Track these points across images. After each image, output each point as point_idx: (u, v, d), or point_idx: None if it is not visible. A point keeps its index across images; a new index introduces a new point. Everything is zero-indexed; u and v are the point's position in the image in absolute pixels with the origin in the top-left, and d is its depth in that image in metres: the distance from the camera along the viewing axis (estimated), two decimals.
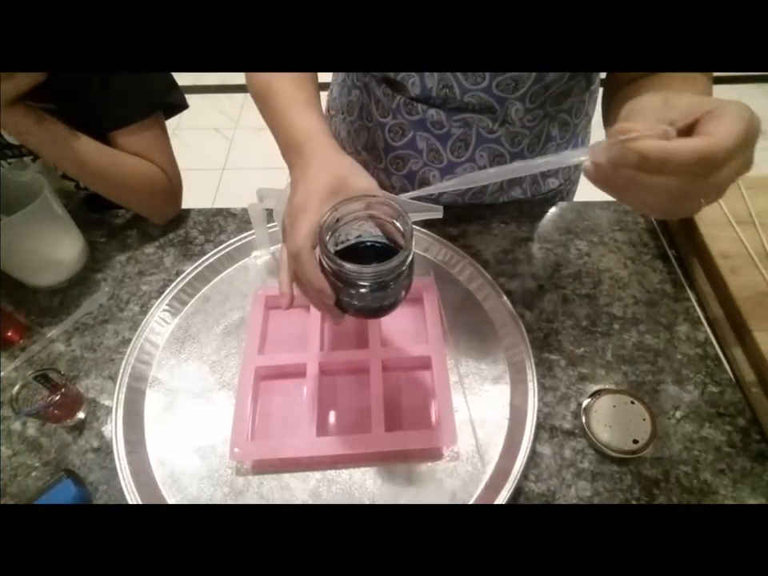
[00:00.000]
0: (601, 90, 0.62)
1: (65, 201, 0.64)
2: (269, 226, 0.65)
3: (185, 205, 0.75)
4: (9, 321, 0.60)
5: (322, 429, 0.52)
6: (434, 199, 0.69)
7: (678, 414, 0.54)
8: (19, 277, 0.64)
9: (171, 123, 0.72)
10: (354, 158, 0.74)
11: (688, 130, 0.29)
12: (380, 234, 0.42)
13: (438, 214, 0.58)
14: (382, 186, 0.71)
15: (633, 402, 0.52)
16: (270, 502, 0.48)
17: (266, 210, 0.62)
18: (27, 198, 0.56)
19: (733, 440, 0.52)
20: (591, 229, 0.70)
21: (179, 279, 0.62)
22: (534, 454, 0.51)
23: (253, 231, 0.65)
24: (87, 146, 0.61)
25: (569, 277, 0.65)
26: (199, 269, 0.64)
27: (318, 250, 0.38)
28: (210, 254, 0.65)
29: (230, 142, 2.19)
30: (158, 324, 0.60)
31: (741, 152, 0.28)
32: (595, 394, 0.53)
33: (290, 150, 0.45)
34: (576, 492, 0.49)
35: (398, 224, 0.39)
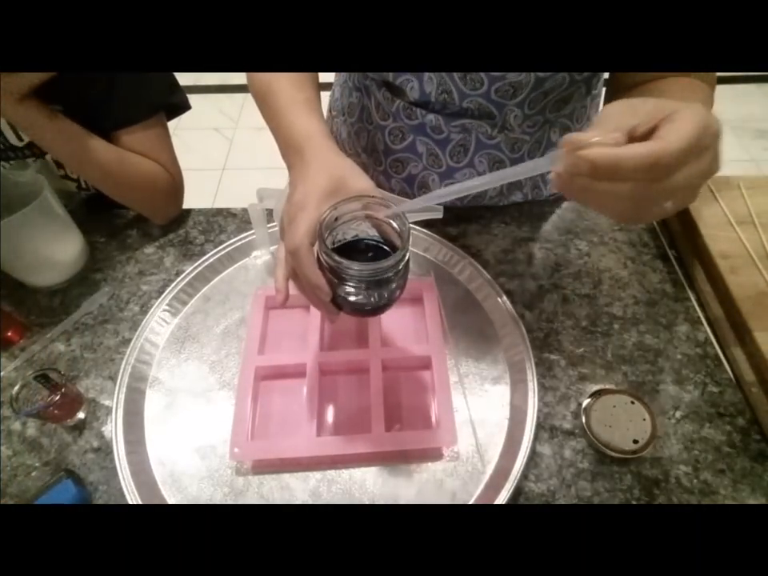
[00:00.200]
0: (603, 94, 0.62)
1: (65, 201, 0.64)
2: (269, 225, 0.65)
3: (185, 205, 0.75)
4: (9, 321, 0.60)
5: (322, 429, 0.52)
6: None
7: (678, 414, 0.54)
8: (19, 277, 0.64)
9: (171, 123, 0.72)
10: (354, 159, 0.75)
11: (650, 135, 0.29)
12: (376, 234, 0.43)
13: (438, 214, 0.58)
14: (382, 188, 0.71)
15: (633, 402, 0.52)
16: (270, 501, 0.48)
17: (266, 209, 0.62)
18: (27, 198, 0.56)
19: (733, 440, 0.52)
20: (591, 229, 0.70)
21: (179, 279, 0.62)
22: (534, 454, 0.51)
23: (253, 231, 0.65)
24: (95, 144, 0.62)
25: (569, 277, 0.65)
26: (199, 269, 0.64)
27: (315, 248, 0.39)
28: (210, 254, 0.65)
29: (230, 141, 2.19)
30: (158, 324, 0.60)
31: (695, 155, 0.29)
32: (595, 394, 0.53)
33: (290, 150, 0.45)
34: (576, 492, 0.49)
35: (394, 224, 0.40)
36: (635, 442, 0.50)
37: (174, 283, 0.62)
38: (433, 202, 0.36)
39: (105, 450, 0.52)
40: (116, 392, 0.53)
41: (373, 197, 0.40)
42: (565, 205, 0.74)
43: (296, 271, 0.40)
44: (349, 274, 0.38)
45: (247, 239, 0.67)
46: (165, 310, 0.60)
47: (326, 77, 0.61)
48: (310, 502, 0.48)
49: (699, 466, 0.51)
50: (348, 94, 0.71)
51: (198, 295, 0.63)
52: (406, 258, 0.39)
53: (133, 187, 0.67)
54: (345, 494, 0.49)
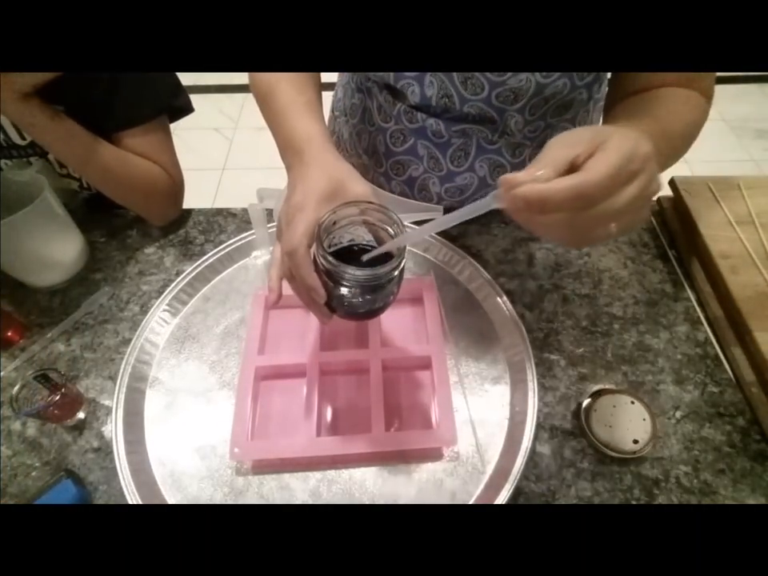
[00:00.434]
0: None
1: (65, 201, 0.64)
2: (269, 225, 0.65)
3: (185, 205, 0.75)
4: (9, 321, 0.60)
5: (322, 429, 0.52)
6: (435, 201, 0.70)
7: (678, 414, 0.54)
8: (19, 277, 0.64)
9: (171, 123, 0.72)
10: (355, 160, 0.75)
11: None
12: (372, 239, 0.44)
13: (437, 214, 0.58)
14: (382, 189, 0.72)
15: (633, 402, 0.52)
16: (270, 501, 0.48)
17: (266, 209, 0.62)
18: (27, 198, 0.56)
19: (733, 440, 0.52)
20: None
21: (179, 279, 0.62)
22: (533, 454, 0.51)
23: (253, 231, 0.65)
24: (96, 145, 0.62)
25: (569, 277, 0.65)
26: (199, 269, 0.64)
27: (312, 250, 0.39)
28: (210, 254, 0.65)
29: (230, 142, 2.19)
30: (158, 324, 0.60)
31: (623, 181, 0.30)
32: (595, 394, 0.53)
33: (290, 151, 0.45)
34: (576, 492, 0.49)
35: (391, 231, 0.40)
36: (635, 442, 0.50)
37: (174, 283, 0.62)
38: (408, 241, 0.38)
39: (105, 449, 0.52)
40: (116, 392, 0.53)
41: (371, 203, 0.40)
42: None
43: (292, 272, 0.40)
44: (345, 277, 0.38)
45: (247, 239, 0.67)
46: (165, 310, 0.60)
47: (329, 77, 0.61)
48: (310, 502, 0.48)
49: (699, 466, 0.51)
50: (350, 95, 0.71)
51: (198, 295, 0.63)
52: (402, 265, 0.40)
53: (133, 189, 0.67)
54: (345, 493, 0.49)
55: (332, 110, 0.79)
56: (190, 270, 0.64)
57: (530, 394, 0.52)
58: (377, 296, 0.42)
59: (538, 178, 0.30)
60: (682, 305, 0.63)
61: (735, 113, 2.22)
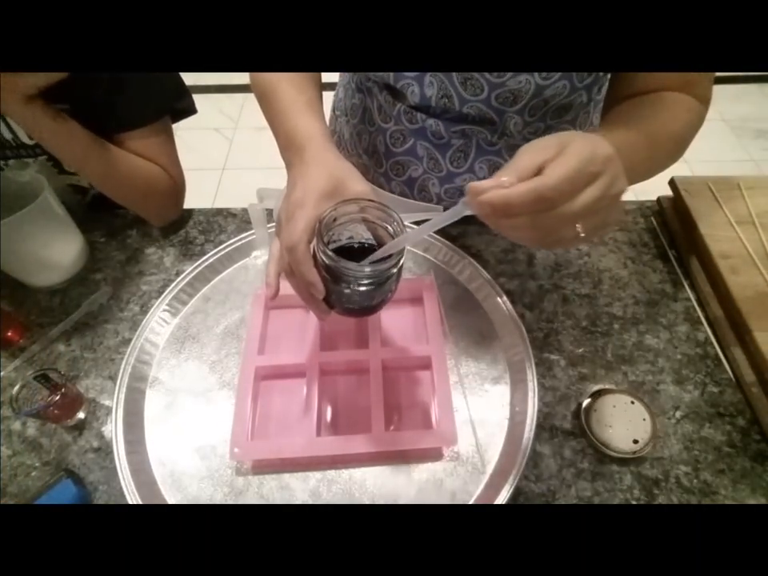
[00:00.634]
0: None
1: (65, 200, 0.64)
2: (269, 225, 0.65)
3: (185, 205, 0.75)
4: (9, 321, 0.60)
5: (322, 429, 0.52)
6: (435, 202, 0.70)
7: (678, 414, 0.54)
8: (19, 277, 0.64)
9: (173, 124, 0.72)
10: (355, 161, 0.75)
11: None
12: (371, 237, 0.44)
13: (437, 214, 0.58)
14: (382, 189, 0.72)
15: (633, 402, 0.52)
16: (270, 501, 0.48)
17: (266, 209, 0.62)
18: (27, 198, 0.56)
19: (733, 440, 0.52)
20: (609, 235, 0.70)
21: (179, 279, 0.62)
22: (534, 454, 0.51)
23: (253, 231, 0.65)
24: (98, 145, 0.62)
25: (569, 277, 0.65)
26: (199, 269, 0.64)
27: (312, 246, 0.40)
28: (210, 254, 0.65)
29: (230, 141, 2.19)
30: (158, 324, 0.60)
31: (582, 183, 0.32)
32: (595, 394, 0.53)
33: (290, 149, 0.46)
34: (576, 492, 0.49)
35: (390, 229, 0.41)
36: (635, 442, 0.50)
37: (174, 283, 0.62)
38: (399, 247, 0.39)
39: (105, 449, 0.52)
40: (116, 392, 0.53)
41: (371, 200, 0.40)
42: None
43: (292, 267, 0.41)
44: (345, 273, 0.38)
45: (247, 239, 0.67)
46: (165, 310, 0.60)
47: (329, 77, 0.61)
48: (310, 502, 0.48)
49: (699, 466, 0.51)
50: (351, 95, 0.71)
51: (198, 295, 0.63)
52: (402, 262, 0.41)
53: (133, 189, 0.67)
54: (345, 494, 0.49)
55: (333, 110, 0.79)
56: (190, 269, 0.64)
57: (530, 394, 0.52)
58: (375, 293, 0.42)
59: (502, 183, 0.31)
60: (682, 305, 0.63)
61: (735, 113, 2.22)
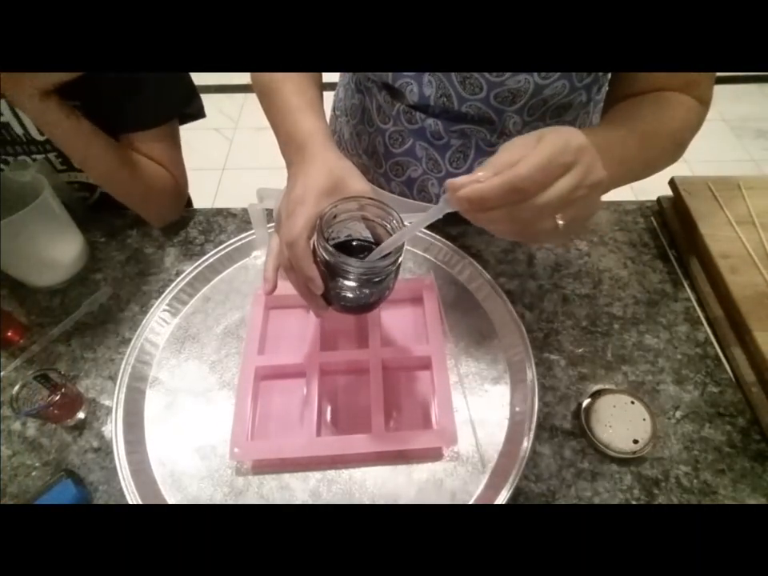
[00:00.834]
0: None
1: (65, 200, 0.64)
2: (269, 225, 0.65)
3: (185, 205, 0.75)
4: (9, 321, 0.60)
5: (322, 429, 0.52)
6: (434, 203, 0.70)
7: (678, 414, 0.54)
8: (19, 277, 0.64)
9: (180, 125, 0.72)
10: (355, 161, 0.75)
11: None
12: (369, 235, 0.44)
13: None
14: (382, 189, 0.72)
15: (633, 402, 0.52)
16: (270, 501, 0.48)
17: (266, 209, 0.62)
18: (27, 198, 0.56)
19: (733, 440, 0.52)
20: (591, 229, 0.70)
21: (179, 279, 0.62)
22: (534, 454, 0.51)
23: (253, 231, 0.65)
24: (107, 144, 0.63)
25: (569, 277, 0.65)
26: (199, 269, 0.64)
27: (311, 242, 0.40)
28: (210, 254, 0.65)
29: (230, 141, 2.19)
30: (158, 324, 0.60)
31: (555, 173, 0.32)
32: (595, 394, 0.53)
33: (291, 146, 0.46)
34: (576, 492, 0.49)
35: (389, 227, 0.41)
36: (635, 442, 0.50)
37: (174, 283, 0.62)
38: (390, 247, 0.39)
39: (105, 449, 0.52)
40: (116, 392, 0.53)
41: (371, 198, 0.41)
42: None
43: (291, 263, 0.41)
44: (345, 269, 0.39)
45: (247, 239, 0.67)
46: (165, 310, 0.60)
47: (330, 77, 0.61)
48: (310, 502, 0.48)
49: (699, 466, 0.51)
50: (350, 95, 0.71)
51: (198, 295, 0.63)
52: (401, 259, 0.41)
53: (137, 189, 0.67)
54: (345, 494, 0.49)
55: (333, 110, 0.79)
56: (190, 269, 0.64)
57: (530, 394, 0.52)
58: (373, 290, 0.43)
59: (478, 179, 0.32)
60: (682, 305, 0.63)
61: (735, 113, 2.22)
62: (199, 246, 0.70)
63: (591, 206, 0.36)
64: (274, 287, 0.45)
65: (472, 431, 0.52)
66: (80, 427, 0.54)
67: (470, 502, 0.48)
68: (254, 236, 0.66)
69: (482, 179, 0.32)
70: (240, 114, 2.29)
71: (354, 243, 0.45)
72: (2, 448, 0.52)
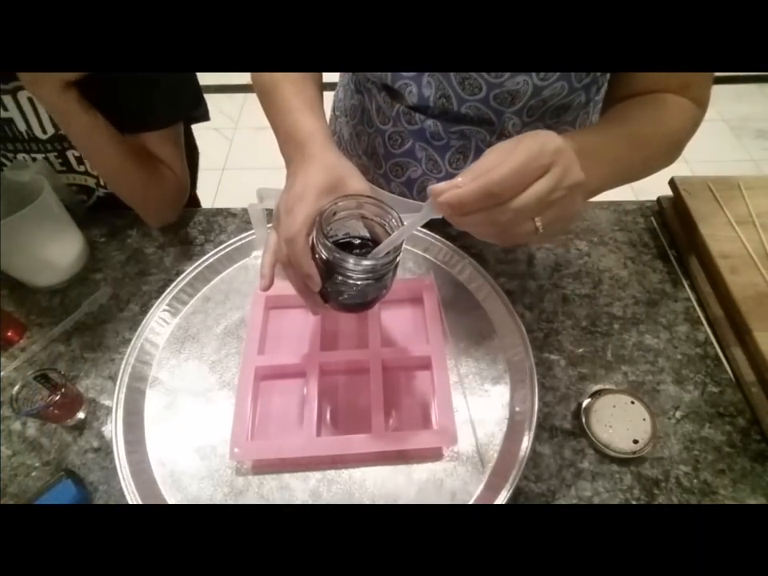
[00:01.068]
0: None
1: (66, 200, 0.64)
2: (269, 225, 0.64)
3: (185, 205, 0.75)
4: (9, 321, 0.60)
5: (322, 429, 0.52)
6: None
7: (678, 414, 0.54)
8: (19, 277, 0.64)
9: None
10: (355, 161, 0.75)
11: None
12: (367, 234, 0.44)
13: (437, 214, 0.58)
14: (382, 189, 0.72)
15: (633, 402, 0.52)
16: (270, 501, 0.48)
17: (266, 209, 0.62)
18: (27, 198, 0.56)
19: (733, 440, 0.52)
20: (591, 229, 0.70)
21: (179, 279, 0.62)
22: (534, 454, 0.51)
23: (253, 231, 0.65)
24: (118, 142, 0.63)
25: (569, 277, 0.65)
26: (199, 269, 0.64)
27: (310, 239, 0.40)
28: (210, 254, 0.65)
29: (230, 142, 2.19)
30: (158, 324, 0.60)
31: (531, 176, 0.33)
32: (595, 394, 0.53)
33: (291, 144, 0.46)
34: (576, 492, 0.49)
35: (387, 226, 0.41)
36: (635, 442, 0.50)
37: (174, 283, 0.62)
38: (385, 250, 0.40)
39: (105, 449, 0.52)
40: (116, 392, 0.53)
41: (369, 197, 0.41)
42: None
43: (289, 259, 0.41)
44: (344, 267, 0.39)
45: (247, 239, 0.67)
46: (165, 310, 0.60)
47: (330, 77, 0.61)
48: (310, 502, 0.48)
49: (699, 466, 0.51)
50: (350, 95, 0.71)
51: (198, 295, 0.63)
52: (398, 259, 0.41)
53: (141, 187, 0.67)
54: (345, 494, 0.49)
55: (333, 110, 0.79)
56: (190, 269, 0.64)
57: (530, 394, 0.52)
58: (371, 288, 0.43)
59: (457, 184, 0.33)
60: (682, 305, 0.63)
61: (735, 113, 2.22)
62: (199, 246, 0.70)
63: (571, 207, 0.36)
64: (271, 283, 0.45)
65: (472, 431, 0.52)
66: (80, 427, 0.54)
67: (470, 502, 0.48)
68: (254, 236, 0.66)
69: (460, 185, 0.33)
70: (240, 114, 2.29)
71: (353, 241, 0.45)
72: (2, 448, 0.52)
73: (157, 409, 0.54)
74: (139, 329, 0.58)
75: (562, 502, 0.49)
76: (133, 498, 0.47)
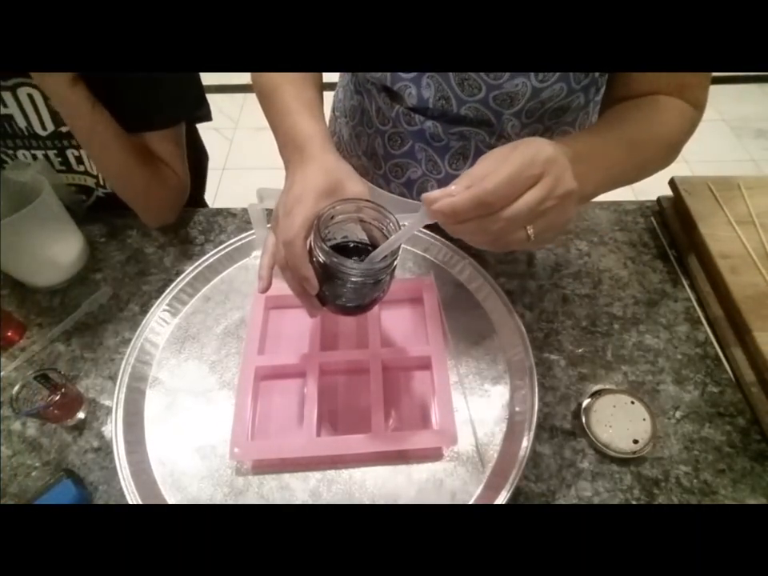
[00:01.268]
0: None
1: (66, 200, 0.64)
2: (269, 225, 0.64)
3: (185, 204, 0.75)
4: (9, 321, 0.60)
5: (322, 429, 0.52)
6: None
7: (678, 414, 0.54)
8: (19, 277, 0.64)
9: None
10: (355, 162, 0.75)
11: None
12: (365, 237, 0.45)
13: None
14: (381, 190, 0.72)
15: (633, 402, 0.52)
16: (270, 501, 0.48)
17: (266, 209, 0.62)
18: (27, 198, 0.56)
19: (733, 440, 0.52)
20: (591, 229, 0.70)
21: (179, 279, 0.62)
22: (534, 454, 0.51)
23: (253, 231, 0.65)
24: (123, 139, 0.63)
25: (569, 277, 0.65)
26: (199, 269, 0.64)
27: (308, 241, 0.40)
28: (210, 254, 0.65)
29: (230, 142, 2.19)
30: (158, 324, 0.60)
31: (522, 185, 0.33)
32: (595, 394, 0.53)
33: (290, 146, 0.46)
34: (576, 492, 0.49)
35: (385, 230, 0.41)
36: (635, 442, 0.50)
37: (174, 283, 0.62)
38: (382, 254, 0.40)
39: (105, 449, 0.52)
40: (116, 392, 0.53)
41: (368, 201, 0.41)
42: None
43: (287, 262, 0.41)
44: (340, 270, 0.39)
45: (247, 239, 0.67)
46: (165, 310, 0.60)
47: (330, 77, 0.61)
48: (310, 502, 0.48)
49: (699, 466, 0.51)
50: (350, 96, 0.71)
51: (198, 295, 0.63)
52: (395, 263, 0.41)
53: (142, 186, 0.67)
54: (345, 494, 0.49)
55: (332, 111, 0.79)
56: (190, 269, 0.64)
57: (530, 394, 0.52)
58: (368, 291, 0.43)
59: (451, 193, 0.33)
60: (682, 305, 0.63)
61: (735, 113, 2.22)
62: (199, 246, 0.70)
63: (563, 216, 0.36)
64: (269, 286, 0.45)
65: (472, 431, 0.52)
66: (80, 427, 0.54)
67: (470, 502, 0.48)
68: (254, 236, 0.66)
69: (453, 193, 0.33)
70: (240, 114, 2.29)
71: (350, 245, 0.45)
72: (2, 448, 0.52)
73: (157, 409, 0.54)
74: (139, 329, 0.58)
75: (562, 501, 0.49)
76: (133, 498, 0.47)
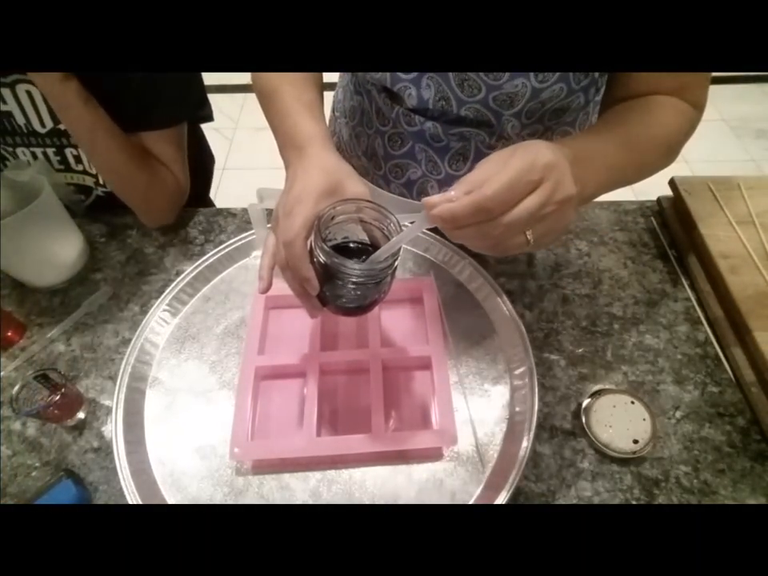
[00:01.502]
0: None
1: (66, 200, 0.64)
2: (269, 225, 0.64)
3: (184, 204, 0.75)
4: (9, 321, 0.60)
5: (322, 429, 0.52)
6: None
7: (678, 414, 0.54)
8: (19, 277, 0.64)
9: None
10: (354, 162, 0.75)
11: None
12: (366, 238, 0.45)
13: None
14: (381, 190, 0.71)
15: (633, 402, 0.52)
16: (270, 501, 0.48)
17: (266, 210, 0.62)
18: (27, 198, 0.56)
19: (733, 440, 0.52)
20: (591, 229, 0.70)
21: (179, 279, 0.62)
22: (534, 454, 0.51)
23: (253, 231, 0.65)
24: (120, 137, 0.63)
25: (569, 277, 0.65)
26: (199, 269, 0.64)
27: (308, 242, 0.40)
28: (210, 254, 0.65)
29: (230, 142, 2.19)
30: (158, 324, 0.60)
31: (521, 191, 0.33)
32: (595, 394, 0.53)
33: (290, 146, 0.46)
34: (576, 492, 0.49)
35: (386, 231, 0.41)
36: (635, 442, 0.50)
37: (174, 283, 0.62)
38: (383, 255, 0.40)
39: (105, 449, 0.52)
40: (116, 392, 0.53)
41: (369, 201, 0.41)
42: None
43: (288, 262, 0.41)
44: (341, 271, 0.39)
45: (247, 239, 0.67)
46: (165, 310, 0.60)
47: (329, 77, 0.61)
48: (310, 502, 0.48)
49: (699, 466, 0.51)
50: (350, 97, 0.71)
51: (198, 295, 0.63)
52: (396, 264, 0.41)
53: (141, 186, 0.67)
54: (345, 494, 0.49)
55: (332, 111, 0.79)
56: (190, 269, 0.63)
57: (530, 394, 0.52)
58: (368, 292, 0.43)
59: (450, 198, 0.33)
60: (682, 305, 0.63)
61: (735, 113, 2.22)
62: (199, 246, 0.70)
63: (562, 220, 0.36)
64: (269, 286, 0.45)
65: (472, 431, 0.52)
66: (80, 427, 0.54)
67: (470, 502, 0.48)
68: (254, 236, 0.66)
69: (453, 198, 0.33)
70: (240, 114, 2.29)
71: (351, 245, 0.45)
72: (2, 448, 0.52)
73: (157, 409, 0.54)
74: (139, 329, 0.58)
75: (562, 501, 0.49)
76: (133, 498, 0.47)
